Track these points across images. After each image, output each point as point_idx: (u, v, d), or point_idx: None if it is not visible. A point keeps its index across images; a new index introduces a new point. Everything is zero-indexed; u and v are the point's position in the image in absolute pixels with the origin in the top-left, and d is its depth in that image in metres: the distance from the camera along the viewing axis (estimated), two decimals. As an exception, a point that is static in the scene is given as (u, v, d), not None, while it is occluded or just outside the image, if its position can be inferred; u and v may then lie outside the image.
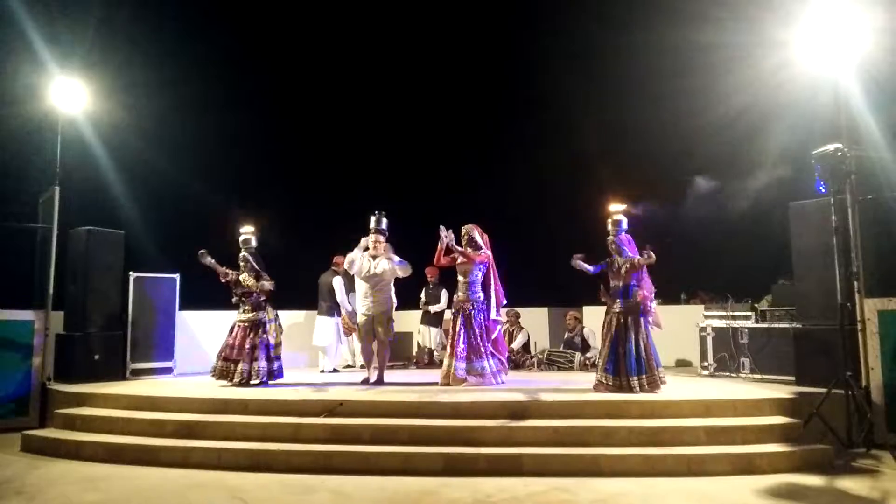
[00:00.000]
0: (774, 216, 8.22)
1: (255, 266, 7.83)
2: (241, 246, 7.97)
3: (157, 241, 10.73)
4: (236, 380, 7.53)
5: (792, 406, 6.00)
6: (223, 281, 7.87)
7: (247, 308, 7.81)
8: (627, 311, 6.75)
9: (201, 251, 7.78)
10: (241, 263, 7.87)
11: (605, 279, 7.06)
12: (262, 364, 7.65)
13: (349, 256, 7.95)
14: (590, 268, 7.05)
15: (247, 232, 8.08)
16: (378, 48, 13.50)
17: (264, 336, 7.75)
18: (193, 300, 9.62)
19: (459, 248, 7.55)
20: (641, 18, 11.13)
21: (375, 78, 13.76)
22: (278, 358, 7.88)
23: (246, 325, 7.75)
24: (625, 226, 7.02)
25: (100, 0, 10.13)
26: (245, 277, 7.82)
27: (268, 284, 7.83)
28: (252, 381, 7.55)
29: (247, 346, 7.63)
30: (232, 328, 7.85)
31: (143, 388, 7.32)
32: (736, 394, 6.32)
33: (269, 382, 7.69)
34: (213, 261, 7.81)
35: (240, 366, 7.56)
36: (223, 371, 7.65)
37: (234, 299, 7.94)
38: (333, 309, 9.67)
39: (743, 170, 9.36)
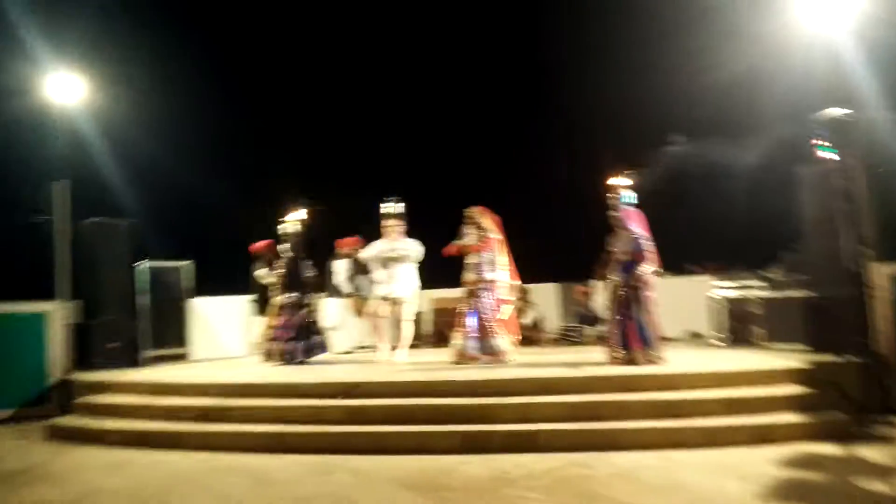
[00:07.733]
0: (774, 183, 8.09)
1: (301, 250, 8.38)
2: (287, 231, 8.45)
3: (170, 230, 10.78)
4: (285, 358, 8.00)
5: (806, 375, 5.97)
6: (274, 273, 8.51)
7: (291, 291, 8.25)
8: (631, 285, 6.73)
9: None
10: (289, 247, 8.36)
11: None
12: (314, 339, 8.18)
13: (370, 245, 8.21)
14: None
15: (295, 218, 8.46)
16: (377, 32, 13.44)
17: (306, 313, 8.22)
18: (206, 287, 9.68)
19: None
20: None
21: (378, 60, 13.70)
22: (320, 333, 8.40)
23: (290, 305, 8.18)
24: (629, 199, 6.82)
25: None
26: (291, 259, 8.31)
27: (309, 268, 8.46)
28: (296, 360, 8.02)
29: (294, 324, 8.09)
30: (277, 310, 8.25)
31: (162, 375, 7.39)
32: (750, 364, 6.32)
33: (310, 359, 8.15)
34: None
35: (285, 345, 8.02)
36: (271, 352, 8.12)
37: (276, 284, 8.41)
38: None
39: (742, 133, 9.22)
